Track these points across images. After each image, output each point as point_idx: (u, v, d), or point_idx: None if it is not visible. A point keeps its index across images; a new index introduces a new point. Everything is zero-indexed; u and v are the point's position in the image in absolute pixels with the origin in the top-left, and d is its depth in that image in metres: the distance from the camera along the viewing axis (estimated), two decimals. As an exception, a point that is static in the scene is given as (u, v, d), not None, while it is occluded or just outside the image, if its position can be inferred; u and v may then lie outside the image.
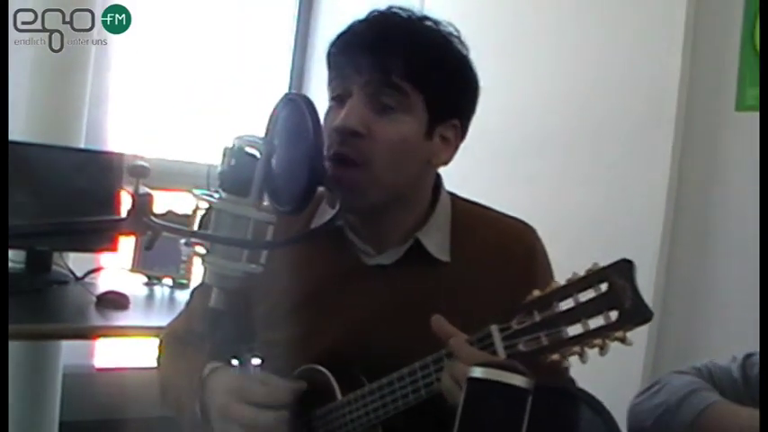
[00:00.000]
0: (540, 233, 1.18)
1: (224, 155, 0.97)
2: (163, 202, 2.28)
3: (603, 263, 0.85)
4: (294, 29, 3.27)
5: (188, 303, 1.31)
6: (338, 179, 1.03)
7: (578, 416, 0.99)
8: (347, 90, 1.07)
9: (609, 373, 1.15)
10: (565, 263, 1.01)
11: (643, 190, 2.15)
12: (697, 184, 2.09)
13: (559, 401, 0.98)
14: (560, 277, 0.90)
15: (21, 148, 2.12)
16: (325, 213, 1.13)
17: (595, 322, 0.84)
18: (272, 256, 1.00)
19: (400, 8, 1.09)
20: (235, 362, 1.13)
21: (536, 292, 0.89)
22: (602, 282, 0.84)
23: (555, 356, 0.87)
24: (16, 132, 2.13)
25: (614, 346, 0.84)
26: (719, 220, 2.04)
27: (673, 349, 2.07)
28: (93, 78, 2.45)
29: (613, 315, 0.83)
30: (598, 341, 0.84)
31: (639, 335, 0.85)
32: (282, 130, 0.99)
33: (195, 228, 1.05)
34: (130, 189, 0.96)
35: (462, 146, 1.14)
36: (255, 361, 1.20)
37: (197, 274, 2.35)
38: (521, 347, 0.89)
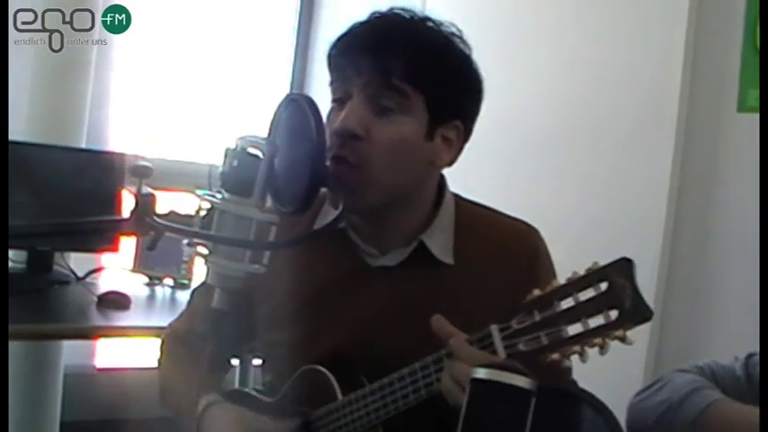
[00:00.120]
0: (540, 233, 1.18)
1: (226, 155, 0.97)
2: (163, 202, 2.28)
3: (603, 262, 0.85)
4: (296, 28, 3.26)
5: (189, 303, 1.30)
6: (338, 180, 1.03)
7: (580, 416, 0.99)
8: (347, 92, 1.07)
9: (609, 373, 1.15)
10: (565, 262, 1.01)
11: (644, 190, 2.15)
12: (698, 184, 2.09)
13: (561, 402, 0.98)
14: (560, 277, 0.90)
15: (22, 149, 2.12)
16: (329, 214, 1.13)
17: (595, 321, 0.84)
18: (274, 256, 1.00)
19: (402, 9, 1.09)
20: (236, 362, 1.13)
21: (536, 292, 0.89)
22: (602, 281, 0.84)
23: (555, 356, 0.87)
24: (18, 133, 2.13)
25: (615, 345, 0.84)
26: (720, 220, 2.04)
27: (673, 349, 2.07)
28: (94, 78, 2.44)
29: (613, 314, 0.83)
30: (598, 340, 0.84)
31: (640, 334, 0.85)
32: (285, 131, 0.99)
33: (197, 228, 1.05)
34: (133, 189, 0.96)
35: (462, 146, 1.14)
36: (256, 361, 1.20)
37: (198, 274, 2.35)
38: (521, 347, 0.89)
